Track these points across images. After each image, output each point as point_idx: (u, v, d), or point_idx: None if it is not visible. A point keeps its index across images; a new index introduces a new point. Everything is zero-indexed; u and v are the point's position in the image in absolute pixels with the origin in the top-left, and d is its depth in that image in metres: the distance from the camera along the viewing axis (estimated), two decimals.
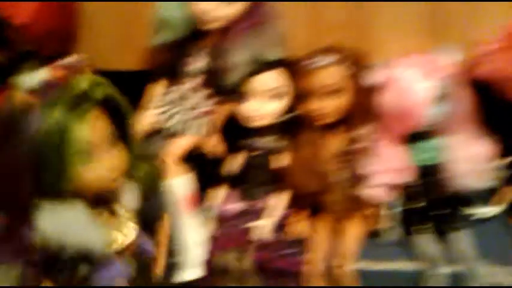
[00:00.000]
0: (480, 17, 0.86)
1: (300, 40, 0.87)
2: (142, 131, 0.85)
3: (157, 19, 0.83)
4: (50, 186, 0.57)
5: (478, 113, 0.87)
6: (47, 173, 0.57)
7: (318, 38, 0.88)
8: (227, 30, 0.83)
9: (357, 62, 0.87)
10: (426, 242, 0.85)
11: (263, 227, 0.84)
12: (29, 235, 0.59)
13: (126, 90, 0.63)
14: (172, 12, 0.81)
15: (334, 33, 0.89)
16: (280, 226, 0.86)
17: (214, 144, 0.90)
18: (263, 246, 0.82)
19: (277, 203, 0.87)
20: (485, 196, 0.90)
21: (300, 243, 0.84)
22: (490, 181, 0.87)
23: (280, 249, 0.82)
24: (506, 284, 0.81)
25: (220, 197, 0.89)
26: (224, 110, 0.88)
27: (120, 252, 0.66)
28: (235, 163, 0.90)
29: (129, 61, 0.91)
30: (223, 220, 0.87)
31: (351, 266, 0.83)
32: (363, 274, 0.84)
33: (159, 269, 0.80)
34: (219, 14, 0.81)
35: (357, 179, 0.86)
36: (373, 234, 0.87)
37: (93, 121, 0.58)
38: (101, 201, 0.65)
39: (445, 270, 0.82)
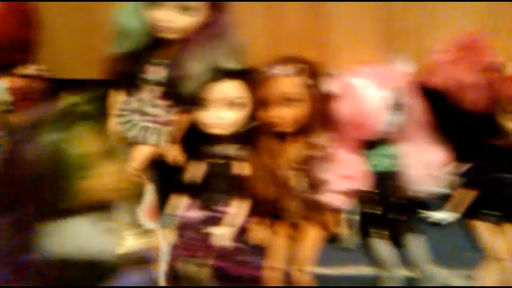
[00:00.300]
0: (435, 27, 0.89)
1: (259, 50, 0.89)
2: None
3: (116, 28, 0.83)
4: (51, 205, 0.57)
5: (433, 121, 0.90)
6: (46, 192, 0.56)
7: (276, 48, 0.90)
8: (186, 40, 0.83)
9: (315, 72, 0.89)
10: (382, 246, 0.87)
11: (224, 235, 0.85)
12: (34, 258, 0.59)
13: None
14: (131, 21, 0.82)
15: (292, 43, 0.90)
16: (241, 233, 0.87)
17: (175, 153, 0.90)
18: (224, 253, 0.83)
19: (238, 211, 0.88)
20: (441, 201, 0.93)
21: (260, 250, 0.86)
22: (445, 187, 0.91)
23: (241, 256, 0.83)
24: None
25: (182, 206, 0.90)
26: (185, 119, 0.89)
27: (125, 262, 0.66)
28: (196, 172, 0.91)
29: (88, 70, 0.91)
30: (184, 228, 0.87)
31: (309, 271, 0.85)
32: (322, 279, 0.86)
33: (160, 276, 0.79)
34: (177, 24, 0.81)
35: (316, 186, 0.88)
36: (331, 240, 0.90)
37: (84, 136, 0.58)
38: (101, 213, 0.65)
39: (401, 274, 0.85)
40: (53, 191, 0.56)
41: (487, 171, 0.89)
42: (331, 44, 0.90)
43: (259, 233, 0.88)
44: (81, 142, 0.58)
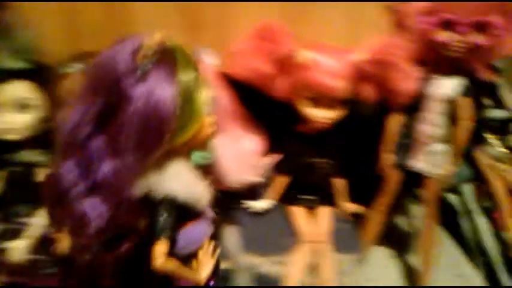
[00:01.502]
0: (238, 17, 0.89)
1: (56, 47, 0.83)
2: None
3: None
4: (166, 144, 0.57)
5: (245, 111, 0.90)
6: (168, 131, 0.56)
7: (74, 44, 0.85)
8: None
9: None
10: None
11: (20, 248, 0.78)
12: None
13: None
14: None
15: (91, 39, 0.86)
16: (45, 244, 0.81)
17: None
18: (19, 268, 0.77)
19: (39, 221, 0.82)
20: (260, 190, 0.94)
21: (63, 261, 0.80)
22: (262, 176, 0.91)
23: (40, 269, 0.78)
24: (273, 273, 0.86)
25: None
26: None
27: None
28: None
29: None
30: None
31: None
32: None
33: None
34: None
35: None
36: None
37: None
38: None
39: None
40: (174, 131, 0.56)
41: (297, 157, 0.91)
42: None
43: (62, 243, 0.82)
44: (204, 86, 0.59)
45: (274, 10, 0.87)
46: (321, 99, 0.82)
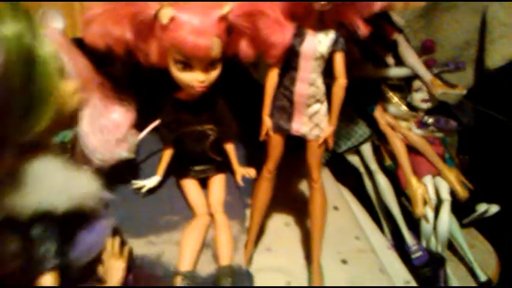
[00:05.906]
0: None
1: None
2: None
3: None
4: (19, 135, 0.42)
5: (108, 79, 0.81)
6: (14, 115, 0.41)
7: None
8: None
9: None
10: None
11: None
12: None
13: None
14: None
15: None
16: None
17: None
18: None
19: None
20: (134, 166, 0.87)
21: None
22: (131, 150, 0.84)
23: None
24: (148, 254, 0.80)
25: None
26: None
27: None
28: None
29: None
30: None
31: None
32: None
33: None
34: None
35: None
36: None
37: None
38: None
39: None
40: (23, 112, 0.41)
41: (178, 126, 0.84)
42: None
43: None
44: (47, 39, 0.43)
45: None
46: (192, 61, 0.75)
